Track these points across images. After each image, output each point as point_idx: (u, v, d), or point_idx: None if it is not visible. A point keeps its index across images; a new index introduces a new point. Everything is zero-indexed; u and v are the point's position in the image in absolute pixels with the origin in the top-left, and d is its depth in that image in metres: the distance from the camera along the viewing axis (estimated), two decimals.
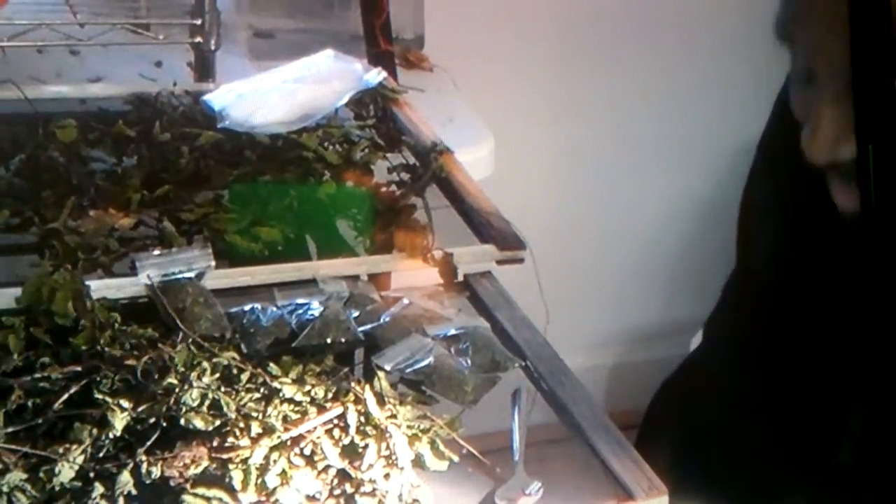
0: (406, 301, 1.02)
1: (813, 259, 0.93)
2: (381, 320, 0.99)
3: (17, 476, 0.79)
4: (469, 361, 0.96)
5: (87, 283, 0.94)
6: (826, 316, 0.94)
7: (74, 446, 0.81)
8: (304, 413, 0.86)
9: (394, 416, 0.87)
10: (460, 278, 1.07)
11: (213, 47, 1.39)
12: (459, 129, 1.48)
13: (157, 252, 0.99)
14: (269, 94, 1.26)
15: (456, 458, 0.87)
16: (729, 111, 1.81)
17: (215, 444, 0.82)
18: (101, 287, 0.95)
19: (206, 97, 1.25)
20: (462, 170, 1.22)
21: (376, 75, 1.34)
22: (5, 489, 0.78)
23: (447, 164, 1.21)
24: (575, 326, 1.63)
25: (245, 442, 0.82)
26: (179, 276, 0.98)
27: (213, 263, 0.99)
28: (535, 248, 1.09)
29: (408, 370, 0.93)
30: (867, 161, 0.73)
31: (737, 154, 1.03)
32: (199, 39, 1.39)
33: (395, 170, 1.21)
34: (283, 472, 0.81)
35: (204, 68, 1.40)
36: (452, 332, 0.98)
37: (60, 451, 0.80)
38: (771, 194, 0.97)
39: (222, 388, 0.86)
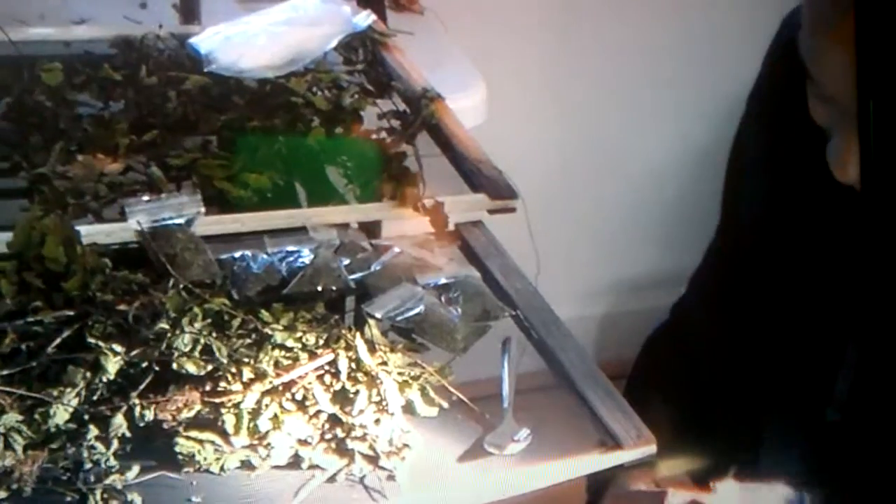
0: (397, 249, 1.05)
1: (800, 213, 0.97)
2: (372, 268, 1.03)
3: (12, 417, 0.83)
4: (459, 310, 1.00)
5: (77, 228, 0.97)
6: (813, 271, 0.97)
7: (68, 389, 0.85)
8: (296, 359, 0.90)
9: (384, 363, 0.91)
10: (451, 227, 1.11)
11: None
12: (450, 75, 1.50)
13: (146, 198, 1.02)
14: (257, 38, 1.28)
15: (446, 405, 0.91)
16: (726, 59, 1.84)
17: (207, 388, 0.87)
18: (92, 232, 0.98)
19: (193, 40, 1.27)
20: (453, 117, 1.24)
21: (365, 18, 1.36)
22: (2, 430, 0.82)
23: (438, 110, 1.23)
24: (566, 276, 1.67)
25: (237, 387, 0.87)
26: (169, 222, 1.01)
27: (202, 210, 1.03)
28: (527, 197, 1.12)
29: (398, 318, 0.97)
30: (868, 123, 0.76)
31: (734, 103, 1.06)
32: None
33: (385, 116, 1.23)
34: (275, 417, 0.86)
35: (189, 10, 1.42)
36: (443, 280, 1.02)
37: (55, 393, 0.84)
38: (761, 146, 1.00)
39: (214, 334, 0.90)
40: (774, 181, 0.99)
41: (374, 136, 1.20)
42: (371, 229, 1.09)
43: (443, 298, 1.01)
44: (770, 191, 1.00)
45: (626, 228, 2.02)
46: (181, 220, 1.02)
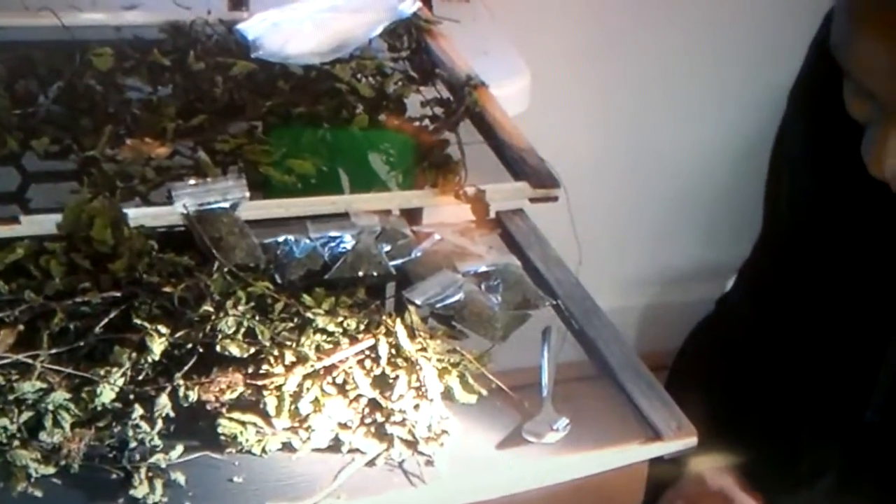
0: (437, 237, 1.07)
1: (842, 209, 0.96)
2: (413, 255, 1.04)
3: (61, 395, 0.85)
4: (499, 298, 1.01)
5: (125, 210, 0.99)
6: (854, 269, 0.97)
7: (115, 369, 0.87)
8: (337, 343, 0.91)
9: (424, 350, 0.93)
10: (492, 215, 1.12)
11: None
12: (495, 63, 1.51)
13: (192, 182, 1.04)
14: (303, 24, 1.30)
15: (485, 392, 0.92)
16: (772, 49, 1.82)
17: (250, 370, 0.88)
18: (139, 215, 1.00)
19: (240, 26, 1.29)
20: (497, 105, 1.25)
21: (411, 5, 1.37)
22: (50, 407, 0.84)
23: (481, 98, 1.24)
24: (608, 266, 1.67)
25: (279, 370, 0.88)
26: (214, 205, 1.03)
27: (247, 194, 1.04)
28: (570, 186, 1.13)
29: (438, 305, 0.99)
30: None
31: (780, 94, 1.05)
32: None
33: (429, 104, 1.24)
34: (316, 400, 0.87)
35: None
36: (483, 268, 1.03)
37: (101, 373, 0.87)
38: (803, 140, 1.00)
39: (257, 317, 0.92)
40: (816, 176, 0.99)
41: (417, 124, 1.22)
42: (412, 216, 1.11)
43: (483, 286, 1.02)
44: (812, 186, 1.00)
45: (669, 219, 2.01)
46: (226, 205, 1.03)
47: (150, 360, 0.88)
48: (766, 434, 1.04)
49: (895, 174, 0.79)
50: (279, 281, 0.98)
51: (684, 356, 1.15)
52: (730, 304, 1.13)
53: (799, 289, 1.02)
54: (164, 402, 0.86)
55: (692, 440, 0.92)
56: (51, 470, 0.82)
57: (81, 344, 0.89)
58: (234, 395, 0.87)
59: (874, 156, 0.79)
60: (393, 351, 0.92)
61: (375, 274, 1.01)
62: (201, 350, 0.89)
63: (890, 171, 0.79)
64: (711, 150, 2.03)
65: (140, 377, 0.87)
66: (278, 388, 0.87)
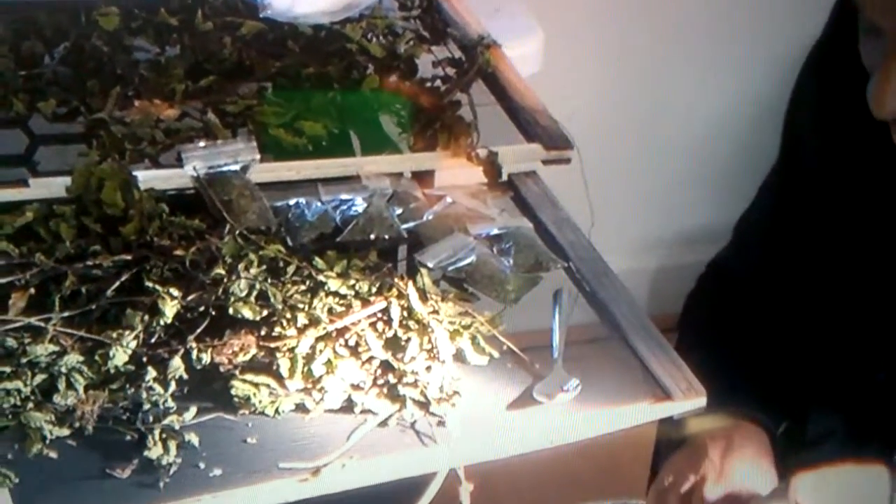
0: (449, 199, 1.08)
1: (855, 170, 0.98)
2: (424, 218, 1.06)
3: (74, 358, 0.88)
4: (511, 261, 1.03)
5: (135, 173, 1.01)
6: (863, 230, 0.98)
7: (127, 332, 0.89)
8: (349, 306, 0.94)
9: (436, 312, 0.95)
10: (504, 177, 1.13)
11: None
12: (507, 22, 1.51)
13: (202, 144, 1.06)
14: None
15: (496, 354, 0.95)
16: (787, 11, 1.82)
17: (263, 333, 0.91)
18: (149, 178, 1.02)
19: None
20: (509, 65, 1.26)
21: None
22: (64, 370, 0.87)
23: (494, 58, 1.25)
24: (620, 228, 1.69)
25: (292, 332, 0.91)
26: (225, 168, 1.05)
27: (257, 156, 1.06)
28: (583, 148, 1.14)
29: (450, 268, 1.01)
30: None
31: (796, 58, 1.06)
32: None
33: (440, 64, 1.25)
34: (329, 362, 0.90)
35: None
36: (495, 231, 1.05)
37: (114, 335, 0.89)
38: (821, 94, 1.01)
39: (269, 280, 0.94)
40: (828, 136, 1.00)
41: (428, 84, 1.23)
42: (424, 179, 1.12)
43: (495, 249, 1.04)
44: (826, 146, 1.01)
45: (682, 181, 2.02)
46: (236, 167, 1.05)
47: (162, 322, 0.90)
48: (772, 396, 1.06)
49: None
50: (290, 244, 1.00)
51: (688, 314, 1.16)
52: (726, 265, 1.14)
53: (803, 247, 1.03)
54: (177, 365, 0.89)
55: (701, 400, 0.94)
56: (65, 432, 0.84)
57: (93, 307, 0.91)
58: (247, 357, 0.89)
59: (877, 96, 0.80)
60: (405, 313, 0.94)
61: (387, 237, 1.03)
62: (213, 313, 0.91)
63: (891, 110, 0.80)
64: (726, 111, 2.03)
65: (153, 340, 0.90)
66: (291, 350, 0.90)
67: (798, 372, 1.05)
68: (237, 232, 0.97)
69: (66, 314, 0.90)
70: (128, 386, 0.87)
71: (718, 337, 1.08)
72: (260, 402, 0.88)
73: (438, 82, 1.23)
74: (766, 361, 1.05)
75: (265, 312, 0.91)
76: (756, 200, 1.11)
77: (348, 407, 0.89)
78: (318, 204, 1.04)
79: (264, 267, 0.95)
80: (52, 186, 1.00)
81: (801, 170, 1.05)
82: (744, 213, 1.12)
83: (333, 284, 0.95)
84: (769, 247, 1.07)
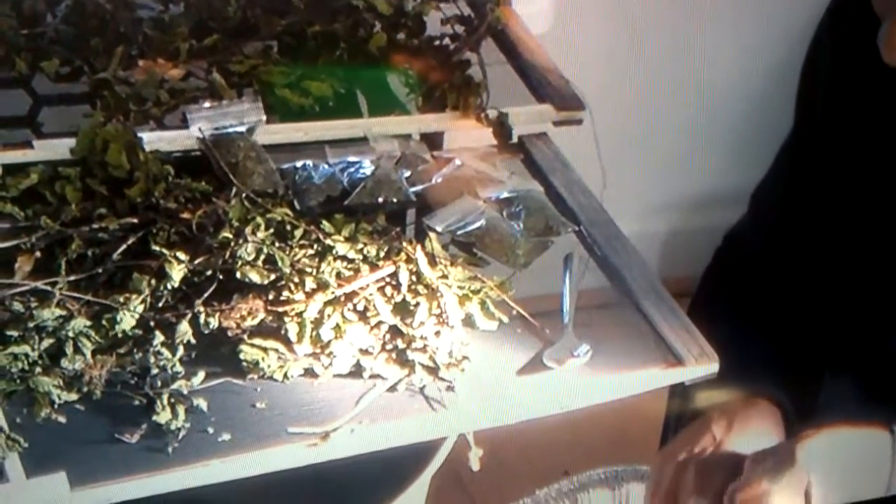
0: (458, 162, 1.10)
1: (873, 127, 0.99)
2: (433, 181, 1.08)
3: (80, 322, 0.90)
4: (521, 225, 1.05)
5: (140, 134, 1.03)
6: (885, 190, 1.00)
7: (134, 296, 0.92)
8: (357, 270, 0.96)
9: (445, 277, 0.97)
10: (515, 139, 1.15)
11: None
12: None
13: (207, 105, 1.08)
14: None
15: (506, 319, 0.97)
16: None
17: (271, 297, 0.93)
18: (154, 139, 1.04)
19: None
20: (520, 23, 1.27)
21: None
22: (71, 334, 0.90)
23: (504, 16, 1.26)
24: (632, 191, 1.70)
25: (300, 296, 0.93)
26: (230, 129, 1.07)
27: (263, 118, 1.08)
28: (595, 109, 1.16)
29: (459, 232, 1.03)
30: None
31: (812, 19, 1.07)
32: None
33: (449, 21, 1.26)
34: (337, 326, 0.93)
35: None
36: (505, 194, 1.07)
37: (121, 300, 0.92)
38: (835, 54, 1.02)
39: (276, 244, 0.96)
40: (846, 96, 1.01)
41: (437, 43, 1.24)
42: (432, 140, 1.14)
43: (504, 213, 1.06)
44: (841, 106, 1.02)
45: (696, 143, 2.02)
46: (242, 129, 1.07)
47: (169, 286, 0.93)
48: (786, 372, 1.08)
49: None
50: (298, 207, 1.02)
51: (706, 281, 1.18)
52: (742, 237, 1.15)
53: (819, 215, 1.05)
54: (184, 329, 0.91)
55: (714, 366, 0.97)
56: (73, 396, 0.87)
57: (100, 271, 0.94)
58: (255, 321, 0.92)
59: (888, 41, 0.82)
60: (413, 278, 0.96)
61: (395, 200, 1.05)
62: (221, 277, 0.94)
63: None
64: (739, 73, 2.03)
65: (160, 304, 0.93)
66: (299, 314, 0.92)
67: (813, 346, 1.07)
68: (244, 195, 1.00)
69: (72, 278, 0.93)
70: (135, 350, 0.90)
71: (734, 311, 1.10)
72: (268, 366, 0.90)
73: (447, 40, 1.24)
74: (782, 336, 1.07)
75: (273, 276, 0.94)
76: (771, 170, 1.13)
77: (357, 372, 0.92)
78: (326, 166, 1.06)
79: (271, 230, 0.98)
80: (57, 148, 1.02)
81: (815, 133, 1.06)
82: (759, 183, 1.14)
83: (341, 248, 0.97)
84: (785, 216, 1.09)
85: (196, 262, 0.94)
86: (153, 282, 0.93)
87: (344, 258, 0.97)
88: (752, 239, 1.12)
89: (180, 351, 0.90)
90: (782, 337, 1.07)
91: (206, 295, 0.93)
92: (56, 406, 0.86)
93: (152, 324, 0.91)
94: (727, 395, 1.03)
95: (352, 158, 1.07)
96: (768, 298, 1.09)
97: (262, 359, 0.90)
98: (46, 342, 0.89)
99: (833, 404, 1.05)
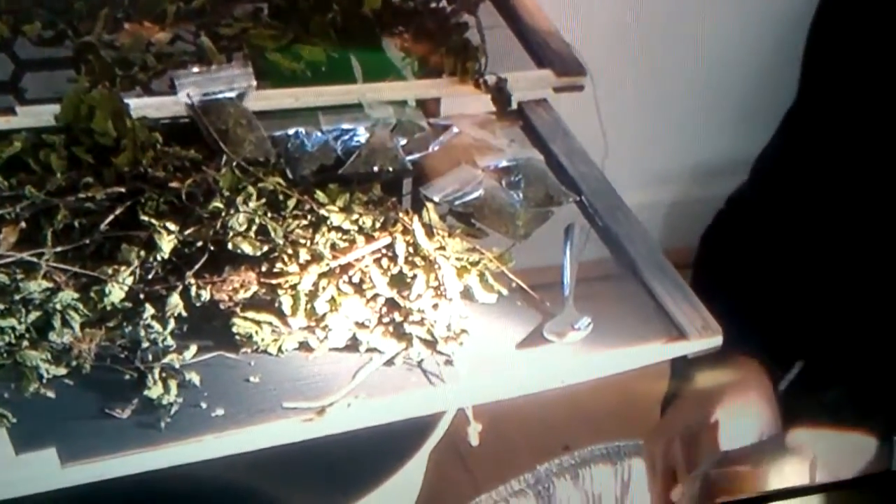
0: (456, 129, 1.10)
1: (881, 90, 0.99)
2: (430, 149, 1.08)
3: (68, 295, 0.91)
4: (521, 195, 1.05)
5: (126, 101, 1.03)
6: (891, 155, 1.01)
7: (123, 268, 0.92)
8: (352, 242, 0.97)
9: (442, 248, 0.98)
10: (514, 106, 1.15)
11: None
12: None
13: (196, 70, 1.08)
14: None
15: (505, 292, 0.98)
16: None
17: (264, 269, 0.94)
18: (141, 105, 1.04)
19: None
20: None
21: None
22: (58, 307, 0.90)
23: None
24: (635, 160, 1.70)
25: (293, 268, 0.94)
26: (220, 95, 1.07)
27: (254, 83, 1.08)
28: (597, 75, 1.16)
29: (457, 202, 1.03)
30: None
31: None
32: None
33: None
34: (333, 299, 0.93)
35: None
36: (504, 163, 1.07)
37: (109, 272, 0.92)
38: (846, 16, 1.02)
39: (269, 214, 0.96)
40: (854, 59, 1.01)
41: (433, 6, 1.24)
42: (429, 107, 1.14)
43: (503, 182, 1.06)
44: (849, 69, 1.02)
45: (700, 111, 2.03)
46: (232, 94, 1.07)
47: (159, 258, 0.93)
48: (782, 338, 1.08)
49: None
50: (290, 176, 1.03)
51: (704, 252, 1.19)
52: (744, 200, 1.16)
53: (823, 179, 1.05)
54: (175, 302, 0.91)
55: (717, 339, 0.97)
56: (62, 371, 0.88)
57: (87, 242, 0.94)
58: (248, 294, 0.92)
59: None
60: (410, 249, 0.97)
61: (391, 169, 1.05)
62: (212, 248, 0.94)
63: None
64: (743, 39, 2.04)
65: (150, 276, 0.93)
66: (293, 286, 0.93)
67: (811, 313, 1.08)
68: (234, 163, 1.00)
69: (58, 249, 0.93)
70: (125, 324, 0.90)
71: (732, 274, 1.11)
72: (262, 340, 0.91)
73: (444, 3, 1.24)
74: (780, 301, 1.08)
75: (265, 248, 0.94)
76: (775, 135, 1.13)
77: (353, 345, 0.92)
78: (319, 134, 1.06)
79: (263, 200, 0.98)
80: (41, 115, 1.02)
81: (821, 96, 1.06)
82: (763, 149, 1.14)
83: (336, 219, 0.97)
84: (787, 179, 1.09)
85: (186, 232, 0.94)
86: (142, 253, 0.93)
87: (339, 229, 0.97)
88: (754, 202, 1.13)
89: (171, 324, 0.91)
90: (780, 302, 1.08)
91: (197, 266, 0.93)
92: (44, 381, 0.87)
93: (142, 296, 0.92)
94: (719, 367, 1.04)
95: (346, 126, 1.07)
96: (768, 262, 1.09)
97: (256, 332, 0.91)
98: (33, 315, 0.89)
99: (831, 375, 1.06)
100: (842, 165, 1.04)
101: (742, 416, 1.01)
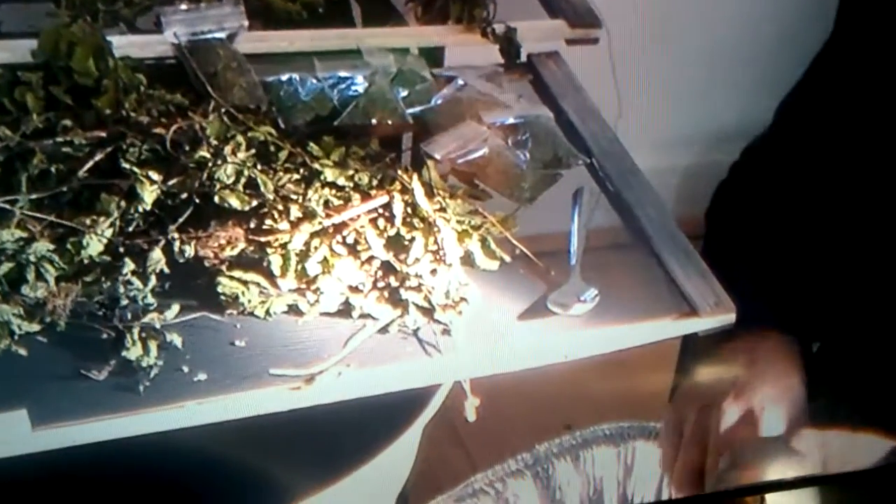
0: (461, 82, 1.10)
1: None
2: (433, 102, 1.08)
3: (43, 246, 0.90)
4: (528, 155, 1.05)
5: (109, 38, 1.03)
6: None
7: (102, 218, 0.92)
8: (347, 199, 0.97)
9: (443, 210, 0.98)
10: (523, 58, 1.15)
11: None
12: None
13: (183, 7, 1.07)
14: None
15: (508, 258, 0.98)
16: None
17: (252, 225, 0.94)
18: (124, 44, 1.04)
19: None
20: None
21: None
22: (33, 259, 0.90)
23: None
24: (649, 121, 1.70)
25: (284, 226, 0.94)
26: (209, 35, 1.07)
27: (245, 23, 1.08)
28: (611, 26, 1.15)
29: (460, 160, 1.03)
30: None
31: None
32: None
33: None
34: (325, 260, 0.93)
35: None
36: (511, 120, 1.07)
37: (87, 222, 0.92)
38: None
39: (258, 166, 0.96)
40: (866, 29, 1.01)
41: None
42: (432, 56, 1.14)
43: (510, 140, 1.06)
44: (861, 38, 1.02)
45: (716, 72, 2.02)
46: (222, 35, 1.07)
47: (140, 209, 0.93)
48: (805, 306, 1.09)
49: None
50: (282, 126, 1.02)
51: (713, 214, 1.18)
52: (764, 148, 1.15)
53: (851, 124, 1.04)
54: (157, 257, 0.92)
55: (731, 316, 0.98)
56: (35, 327, 0.88)
57: (64, 189, 0.94)
58: (235, 251, 0.93)
59: None
60: (409, 210, 0.97)
61: (390, 122, 1.05)
62: (197, 201, 0.94)
63: None
64: (764, 5, 2.03)
65: (130, 228, 0.93)
66: (283, 245, 0.93)
67: (836, 277, 1.07)
68: (223, 109, 1.00)
69: (34, 196, 0.93)
70: (103, 279, 0.90)
71: (751, 236, 1.10)
72: (249, 301, 0.91)
73: None
74: (802, 263, 1.07)
75: (254, 202, 0.94)
76: (801, 82, 1.12)
77: (345, 311, 0.92)
78: (314, 81, 1.06)
79: (253, 151, 0.98)
80: (17, 50, 1.02)
81: (856, 37, 1.05)
82: (786, 95, 1.13)
83: (330, 174, 0.97)
84: (816, 125, 1.07)
85: (170, 182, 0.94)
86: (123, 203, 0.93)
87: (333, 185, 0.97)
88: (776, 151, 1.12)
89: (152, 281, 0.91)
90: (804, 261, 1.07)
91: (180, 220, 0.93)
92: (15, 337, 0.87)
93: (122, 250, 0.92)
94: (747, 335, 1.04)
95: (343, 73, 1.07)
96: (791, 216, 1.09)
97: (243, 293, 0.91)
98: (6, 266, 0.89)
99: (855, 355, 1.07)
100: (873, 109, 1.03)
101: (782, 401, 1.02)
